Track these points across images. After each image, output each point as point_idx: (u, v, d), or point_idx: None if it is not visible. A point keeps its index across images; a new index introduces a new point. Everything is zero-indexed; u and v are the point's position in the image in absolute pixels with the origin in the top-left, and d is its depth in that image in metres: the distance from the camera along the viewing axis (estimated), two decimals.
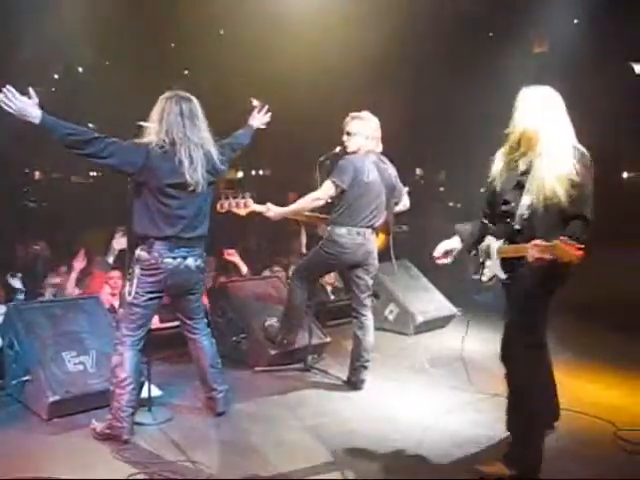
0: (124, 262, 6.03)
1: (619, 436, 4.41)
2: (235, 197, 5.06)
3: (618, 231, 8.84)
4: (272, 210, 5.19)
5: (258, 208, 5.18)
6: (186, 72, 12.42)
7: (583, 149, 3.62)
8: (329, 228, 5.13)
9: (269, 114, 5.05)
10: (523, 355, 3.70)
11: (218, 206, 5.00)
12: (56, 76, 12.88)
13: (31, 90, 3.69)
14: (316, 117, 11.51)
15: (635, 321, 6.79)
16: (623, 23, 9.32)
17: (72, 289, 5.96)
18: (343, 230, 5.05)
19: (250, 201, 5.09)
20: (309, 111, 12.00)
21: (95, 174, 14.74)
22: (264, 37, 10.96)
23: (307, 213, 5.43)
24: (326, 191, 5.05)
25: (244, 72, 12.65)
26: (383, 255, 5.50)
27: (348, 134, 5.20)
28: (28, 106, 3.68)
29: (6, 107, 3.65)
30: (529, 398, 3.71)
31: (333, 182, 5.03)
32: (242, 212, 5.10)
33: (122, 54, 11.55)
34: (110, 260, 5.87)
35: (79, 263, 6.02)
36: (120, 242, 5.70)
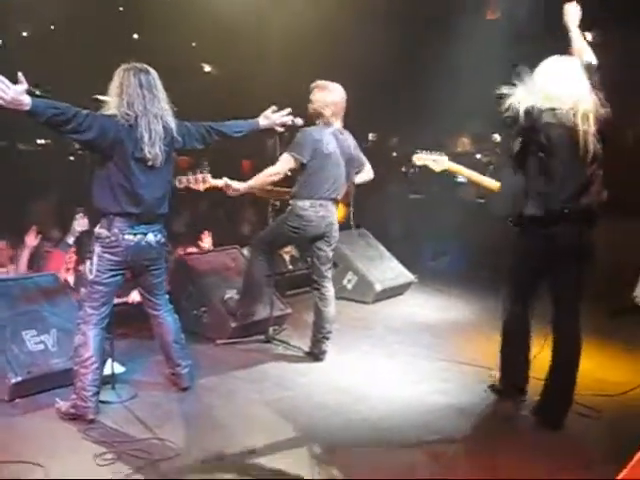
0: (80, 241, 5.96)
1: (580, 402, 4.49)
2: (193, 173, 5.01)
3: None
4: (230, 186, 5.14)
5: (219, 183, 5.13)
6: (136, 36, 12.11)
7: None
8: (291, 202, 5.12)
9: (289, 118, 4.83)
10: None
11: (176, 182, 4.93)
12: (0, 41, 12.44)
13: (20, 75, 3.47)
14: (271, 83, 11.38)
15: (612, 291, 6.95)
16: None
17: (24, 268, 5.82)
18: (306, 203, 5.05)
19: (208, 176, 5.03)
20: (264, 76, 11.85)
21: (43, 142, 14.31)
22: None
23: (268, 187, 5.40)
24: (284, 165, 5.04)
25: (196, 36, 12.42)
26: (343, 226, 5.54)
27: (314, 102, 5.17)
28: (20, 94, 3.48)
29: None
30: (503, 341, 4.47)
31: (292, 155, 5.01)
32: (200, 187, 5.05)
33: (68, 18, 11.20)
34: (70, 241, 5.73)
35: (31, 240, 5.87)
36: (81, 223, 5.56)
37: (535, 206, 4.13)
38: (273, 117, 4.76)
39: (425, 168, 5.27)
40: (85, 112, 3.81)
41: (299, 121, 5.25)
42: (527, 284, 4.37)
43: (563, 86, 4.09)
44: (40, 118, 3.62)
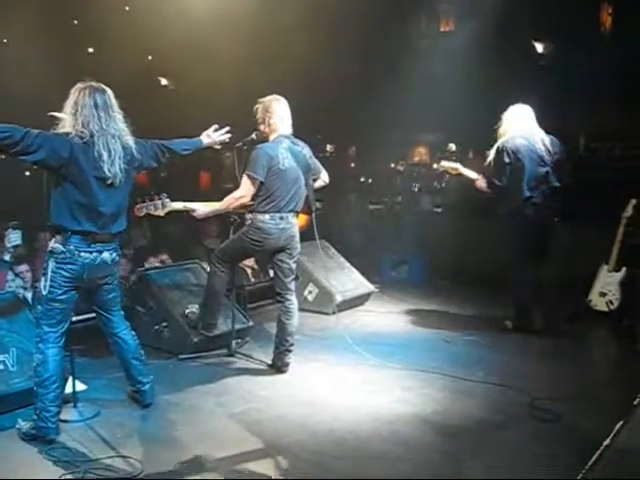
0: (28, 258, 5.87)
1: (535, 405, 4.63)
2: (152, 199, 4.98)
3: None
4: (198, 210, 5.17)
5: (179, 206, 5.12)
6: (91, 50, 12.01)
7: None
8: (251, 215, 5.13)
9: (227, 135, 4.88)
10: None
11: (135, 211, 4.91)
12: None
13: None
14: (227, 96, 11.39)
15: (568, 296, 7.11)
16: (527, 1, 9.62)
17: None
18: (266, 216, 5.07)
19: (167, 201, 5.00)
20: (220, 90, 11.86)
21: None
22: (172, 14, 10.72)
23: None
24: (246, 187, 5.06)
25: (151, 50, 12.36)
26: (305, 234, 5.57)
27: (260, 120, 5.22)
28: None
29: None
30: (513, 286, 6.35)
31: (249, 176, 5.03)
32: (161, 213, 5.02)
33: (21, 32, 11.06)
34: (7, 258, 5.63)
35: None
36: (11, 239, 5.46)
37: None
38: (214, 136, 4.83)
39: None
40: (35, 132, 3.79)
41: (254, 136, 5.31)
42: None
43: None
44: None
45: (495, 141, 6.22)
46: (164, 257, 7.22)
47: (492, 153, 6.19)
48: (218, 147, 4.97)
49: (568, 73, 9.43)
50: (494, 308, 7.02)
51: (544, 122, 6.31)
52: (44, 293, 4.00)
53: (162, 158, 4.46)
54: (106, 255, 4.11)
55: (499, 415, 4.54)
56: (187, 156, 4.71)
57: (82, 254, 4.00)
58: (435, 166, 6.74)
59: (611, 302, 6.82)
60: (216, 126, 4.85)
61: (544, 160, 6.10)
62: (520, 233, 6.14)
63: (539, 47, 10.31)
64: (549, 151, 6.11)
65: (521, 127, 6.16)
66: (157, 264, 6.90)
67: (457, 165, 6.54)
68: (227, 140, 4.92)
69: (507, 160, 6.07)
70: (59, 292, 4.00)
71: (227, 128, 4.88)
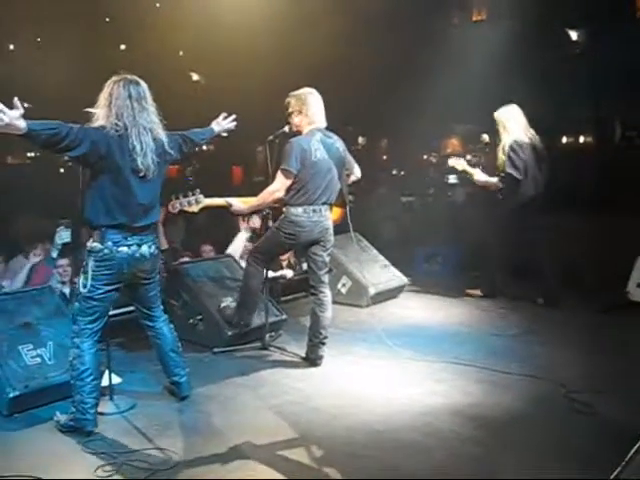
0: (70, 253, 5.98)
1: (570, 398, 4.58)
2: (185, 196, 5.04)
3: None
4: (234, 206, 5.23)
5: (216, 202, 5.17)
6: (123, 47, 12.13)
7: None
8: (284, 209, 5.15)
9: (234, 123, 4.94)
10: None
11: (169, 207, 4.98)
12: None
13: (17, 101, 3.49)
14: (258, 89, 11.43)
15: (605, 287, 7.05)
16: None
17: (22, 282, 5.82)
18: (299, 209, 5.08)
19: (201, 196, 5.06)
20: (251, 84, 11.89)
21: (32, 155, 14.31)
22: (202, 9, 10.78)
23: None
24: (281, 180, 5.07)
25: (182, 46, 12.46)
26: (339, 227, 5.57)
27: (291, 113, 5.23)
28: (15, 119, 3.49)
29: None
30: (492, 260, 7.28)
31: (283, 170, 5.05)
32: (195, 209, 5.08)
33: (56, 30, 11.22)
34: (54, 255, 5.72)
35: (36, 255, 5.91)
36: (62, 236, 5.54)
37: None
38: (223, 123, 4.90)
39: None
40: (76, 127, 3.83)
41: (286, 129, 5.33)
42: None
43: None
44: (36, 140, 3.66)
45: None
46: (208, 248, 7.29)
47: (506, 150, 6.72)
48: (225, 135, 4.98)
49: (603, 60, 9.28)
50: (526, 299, 6.98)
51: (579, 111, 6.26)
52: (83, 291, 4.04)
53: (185, 148, 4.50)
54: (144, 249, 4.15)
55: (533, 407, 4.50)
56: (205, 144, 4.94)
57: (120, 249, 4.04)
58: (450, 163, 6.96)
59: None
60: (225, 114, 4.92)
61: (542, 157, 6.84)
62: (514, 220, 6.74)
63: (573, 35, 10.16)
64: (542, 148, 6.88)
65: (523, 127, 6.82)
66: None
67: (463, 162, 7.22)
68: (234, 127, 4.96)
69: (524, 157, 6.70)
70: (100, 291, 4.04)
71: (234, 116, 4.94)
